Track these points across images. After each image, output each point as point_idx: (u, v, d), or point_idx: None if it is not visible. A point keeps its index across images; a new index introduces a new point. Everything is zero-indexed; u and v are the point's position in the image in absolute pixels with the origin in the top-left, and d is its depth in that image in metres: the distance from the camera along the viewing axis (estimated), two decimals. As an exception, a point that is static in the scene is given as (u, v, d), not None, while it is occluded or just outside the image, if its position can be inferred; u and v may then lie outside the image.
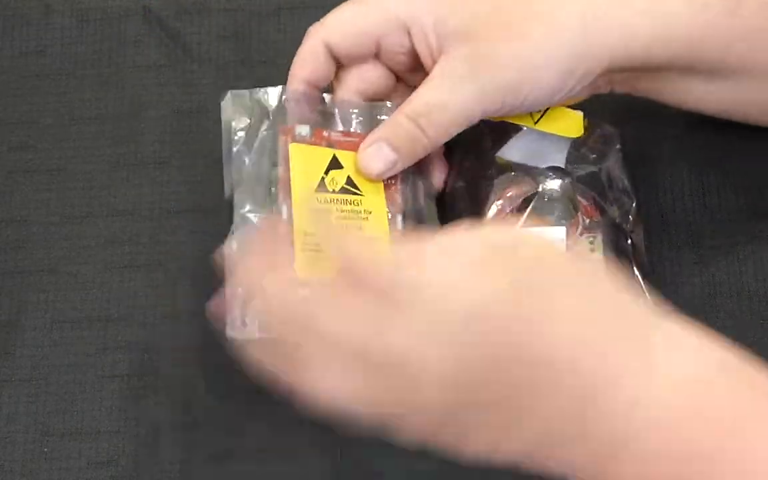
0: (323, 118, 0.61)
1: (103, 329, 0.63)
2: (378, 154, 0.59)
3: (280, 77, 0.67)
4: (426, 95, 0.58)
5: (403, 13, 0.59)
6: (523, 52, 0.56)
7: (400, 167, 0.59)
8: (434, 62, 0.58)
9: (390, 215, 0.60)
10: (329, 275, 0.59)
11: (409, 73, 0.61)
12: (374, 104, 0.61)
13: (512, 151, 0.61)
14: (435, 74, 0.58)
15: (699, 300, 0.61)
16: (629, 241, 0.61)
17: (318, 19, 0.68)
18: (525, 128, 0.60)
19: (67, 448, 0.60)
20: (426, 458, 0.59)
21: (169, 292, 0.63)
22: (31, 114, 0.68)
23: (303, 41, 0.61)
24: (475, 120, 0.58)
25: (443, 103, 0.57)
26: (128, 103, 0.68)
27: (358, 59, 0.61)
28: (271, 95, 0.62)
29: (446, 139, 0.59)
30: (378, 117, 0.61)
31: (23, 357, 0.62)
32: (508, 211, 0.60)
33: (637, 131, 0.63)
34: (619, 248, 0.61)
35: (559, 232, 0.59)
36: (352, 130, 0.61)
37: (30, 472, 0.60)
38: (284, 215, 0.60)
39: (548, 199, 0.60)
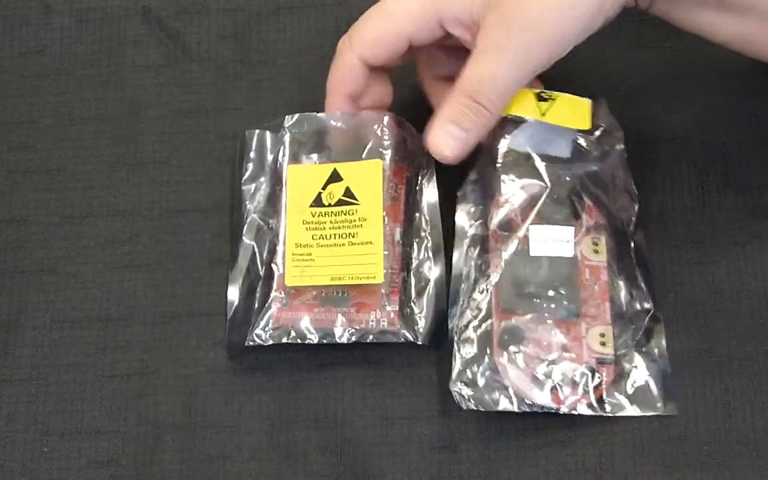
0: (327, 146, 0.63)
1: (103, 329, 0.63)
2: (448, 136, 0.58)
3: (279, 77, 0.68)
4: (475, 71, 0.58)
5: (430, 9, 0.59)
6: (551, 3, 0.56)
7: (471, 144, 0.59)
8: (474, 37, 0.58)
9: (389, 228, 0.61)
10: (319, 283, 0.59)
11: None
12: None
13: (519, 142, 0.61)
14: (477, 48, 0.58)
15: (699, 300, 0.61)
16: (632, 244, 0.61)
17: (317, 20, 0.69)
18: (531, 119, 0.60)
19: (67, 448, 0.60)
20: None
21: (168, 291, 0.63)
22: (31, 114, 0.68)
23: (335, 58, 0.61)
24: (528, 80, 0.58)
25: (492, 75, 0.57)
26: (128, 103, 0.68)
27: (393, 61, 0.61)
28: (286, 124, 0.64)
29: (506, 106, 0.59)
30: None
31: (23, 357, 0.62)
32: (516, 208, 0.60)
33: (638, 131, 0.63)
34: (622, 251, 0.61)
35: (567, 233, 0.59)
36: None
37: (30, 472, 0.60)
38: (281, 234, 0.61)
39: (555, 199, 0.60)
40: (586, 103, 0.61)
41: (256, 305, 0.61)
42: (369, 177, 0.61)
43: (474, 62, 0.58)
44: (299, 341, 0.60)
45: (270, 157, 0.64)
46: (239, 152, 0.65)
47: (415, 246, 0.62)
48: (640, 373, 0.59)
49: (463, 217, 0.62)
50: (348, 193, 0.61)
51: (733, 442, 0.58)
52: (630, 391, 0.58)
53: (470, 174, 0.62)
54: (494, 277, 0.59)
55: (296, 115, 0.64)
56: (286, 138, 0.64)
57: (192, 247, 0.64)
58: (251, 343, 0.60)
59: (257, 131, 0.65)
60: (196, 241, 0.64)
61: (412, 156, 0.63)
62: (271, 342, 0.60)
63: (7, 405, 0.61)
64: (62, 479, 0.60)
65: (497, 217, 0.60)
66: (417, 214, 0.62)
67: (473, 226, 0.61)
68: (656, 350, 0.59)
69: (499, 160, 0.61)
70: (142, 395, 0.61)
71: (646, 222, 0.62)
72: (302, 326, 0.60)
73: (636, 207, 0.61)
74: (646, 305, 0.60)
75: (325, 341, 0.60)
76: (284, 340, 0.60)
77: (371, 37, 0.60)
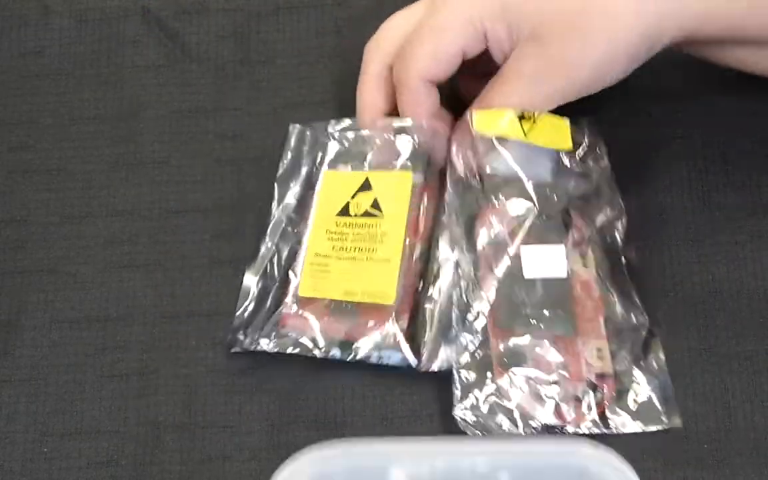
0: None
1: (103, 329, 0.63)
2: None
3: (278, 77, 0.68)
4: (499, 95, 0.60)
5: (478, 23, 0.59)
6: (589, 53, 0.58)
7: None
8: (505, 57, 0.60)
9: (409, 240, 0.61)
10: (332, 296, 0.60)
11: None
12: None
13: (503, 162, 0.61)
14: (507, 74, 0.59)
15: (699, 300, 0.61)
16: (623, 260, 0.61)
17: (317, 20, 0.69)
18: (515, 140, 0.60)
19: (67, 448, 0.60)
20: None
21: (168, 291, 0.63)
22: (31, 114, 0.68)
23: (403, 83, 0.61)
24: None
25: (519, 104, 0.59)
26: (127, 103, 0.68)
27: (449, 74, 0.62)
28: (330, 129, 0.64)
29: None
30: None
31: (23, 357, 0.62)
32: (504, 228, 0.60)
33: (637, 131, 0.63)
34: (614, 266, 0.60)
35: (558, 252, 0.59)
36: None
37: (30, 472, 0.60)
38: (304, 240, 0.62)
39: (545, 218, 0.60)
40: (564, 122, 0.61)
41: (267, 309, 0.61)
42: (398, 189, 0.61)
43: (500, 85, 0.60)
44: (301, 354, 0.60)
45: (308, 159, 0.64)
46: (283, 147, 0.65)
47: (434, 265, 0.61)
48: (641, 389, 0.58)
49: (446, 243, 0.61)
50: (375, 204, 0.61)
51: (733, 440, 0.58)
52: (633, 407, 0.58)
53: (448, 197, 0.61)
54: (489, 298, 0.59)
55: (343, 121, 0.64)
56: (330, 144, 0.64)
57: (192, 247, 0.64)
58: (255, 348, 0.60)
59: (297, 128, 0.65)
60: (195, 241, 0.64)
61: (443, 170, 0.63)
62: (276, 350, 0.60)
63: (7, 405, 0.61)
64: (62, 479, 0.60)
65: (486, 236, 0.60)
66: (439, 232, 0.62)
67: (456, 250, 0.61)
68: (655, 364, 0.59)
69: (485, 180, 0.60)
70: (142, 395, 0.61)
71: (644, 224, 0.62)
72: (308, 337, 0.60)
73: (623, 221, 0.61)
74: (641, 320, 0.60)
75: (328, 357, 0.60)
76: (288, 350, 0.60)
77: (428, 56, 0.61)
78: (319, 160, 0.64)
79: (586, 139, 0.62)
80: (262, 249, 0.63)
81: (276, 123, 0.66)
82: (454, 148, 0.61)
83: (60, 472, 0.60)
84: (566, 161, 0.61)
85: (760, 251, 0.61)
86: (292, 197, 0.64)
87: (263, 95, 0.68)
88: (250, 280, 0.62)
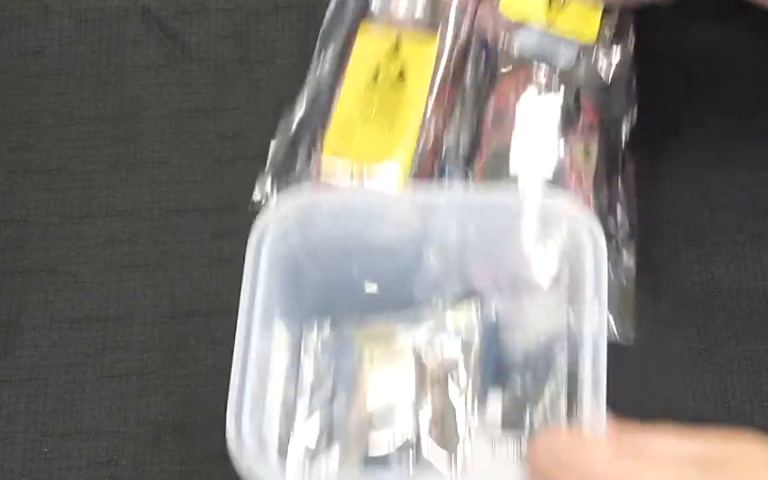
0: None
1: (102, 329, 0.63)
2: None
3: (278, 76, 0.68)
4: None
5: None
6: None
7: None
8: None
9: (431, 110, 0.60)
10: (354, 158, 0.60)
11: None
12: None
13: (524, 45, 0.61)
14: None
15: (699, 300, 0.61)
16: (621, 158, 0.60)
17: (316, 19, 0.69)
18: (535, 26, 0.60)
19: (67, 448, 0.60)
20: None
21: (168, 291, 0.63)
22: (31, 114, 0.68)
23: None
24: None
25: None
26: (127, 103, 0.68)
27: None
28: None
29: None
30: None
31: (23, 357, 0.62)
32: (508, 113, 0.60)
33: (637, 130, 0.63)
34: (610, 161, 0.60)
35: (551, 149, 0.59)
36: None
37: (30, 472, 0.60)
38: (335, 100, 0.62)
39: (551, 104, 0.60)
40: (596, 12, 0.61)
41: (297, 163, 0.62)
42: (423, 56, 0.61)
43: None
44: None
45: (351, 12, 0.64)
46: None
47: (454, 133, 0.61)
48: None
49: (454, 120, 0.61)
50: (402, 69, 0.61)
51: (733, 440, 0.58)
52: None
53: (465, 73, 0.61)
54: (477, 180, 0.59)
55: None
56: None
57: (191, 247, 0.64)
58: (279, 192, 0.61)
59: None
60: (195, 241, 0.64)
61: (474, 34, 0.63)
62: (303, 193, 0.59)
63: (7, 405, 0.61)
64: (62, 479, 0.60)
65: (491, 117, 0.60)
66: (464, 97, 0.62)
67: (461, 128, 0.61)
68: (623, 275, 0.58)
69: (501, 60, 0.61)
70: (142, 395, 0.61)
71: (644, 224, 0.62)
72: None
73: (632, 115, 0.61)
74: (623, 223, 0.59)
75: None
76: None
77: None
78: (358, 16, 0.64)
79: (614, 27, 0.62)
80: (296, 107, 0.63)
81: (276, 123, 0.66)
82: (477, 25, 0.62)
83: (60, 472, 0.60)
84: (588, 49, 0.61)
85: (760, 251, 0.61)
86: (330, 56, 0.64)
87: (263, 95, 0.68)
88: (285, 131, 0.62)
